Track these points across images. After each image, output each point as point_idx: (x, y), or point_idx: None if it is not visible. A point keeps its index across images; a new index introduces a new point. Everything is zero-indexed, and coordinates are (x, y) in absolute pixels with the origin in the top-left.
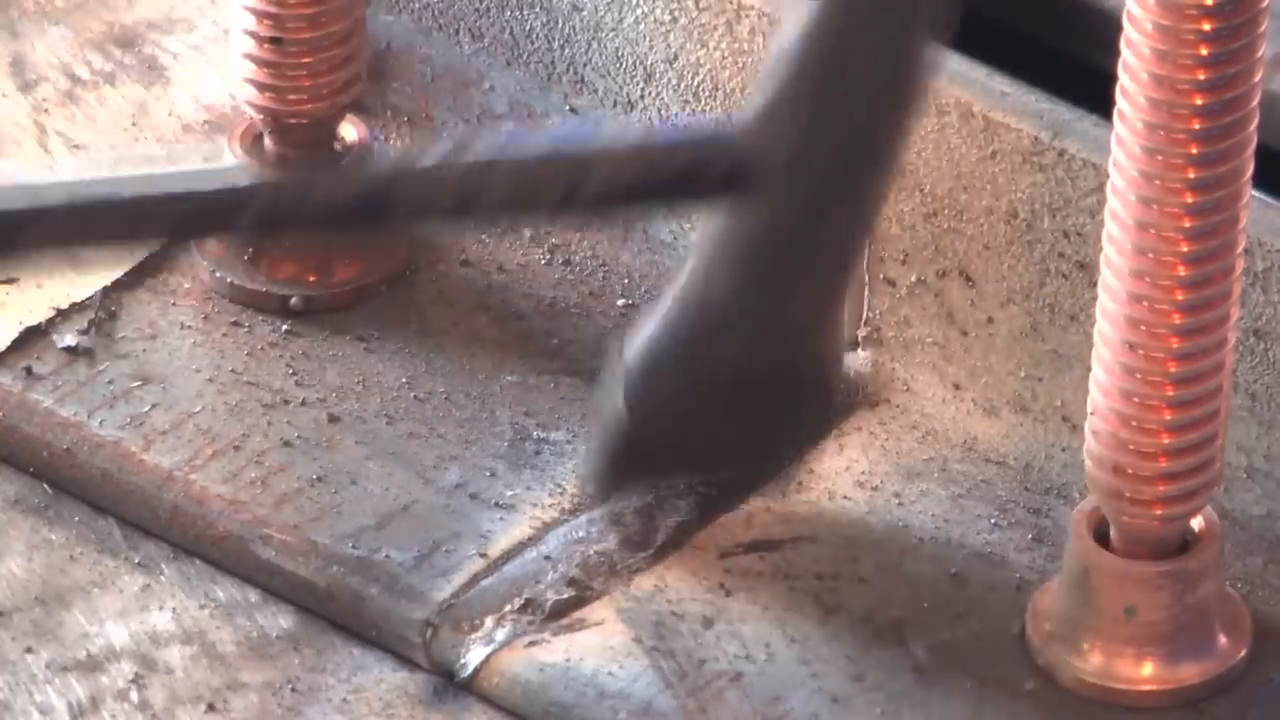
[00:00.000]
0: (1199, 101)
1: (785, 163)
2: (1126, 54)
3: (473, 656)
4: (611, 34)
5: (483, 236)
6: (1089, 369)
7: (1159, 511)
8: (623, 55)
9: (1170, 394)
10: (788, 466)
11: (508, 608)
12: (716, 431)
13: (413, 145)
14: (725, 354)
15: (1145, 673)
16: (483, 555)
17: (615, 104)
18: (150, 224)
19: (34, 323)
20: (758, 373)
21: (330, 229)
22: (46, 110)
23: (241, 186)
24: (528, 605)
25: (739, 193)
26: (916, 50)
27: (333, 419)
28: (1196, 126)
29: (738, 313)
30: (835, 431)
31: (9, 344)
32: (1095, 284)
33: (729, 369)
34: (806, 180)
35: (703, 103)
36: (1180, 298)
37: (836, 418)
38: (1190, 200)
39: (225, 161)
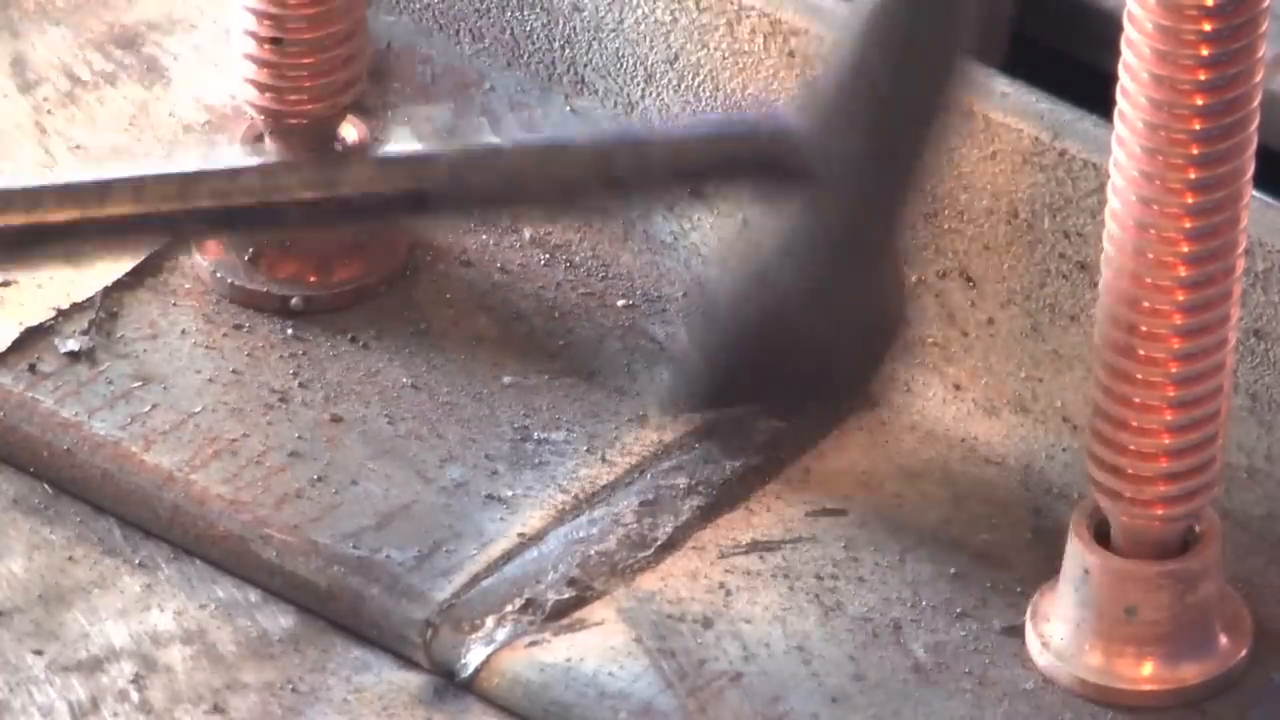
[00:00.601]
0: (1200, 102)
1: (841, 157)
2: (1127, 54)
3: (473, 656)
4: (612, 34)
5: (485, 236)
6: (1089, 369)
7: (1160, 512)
8: (623, 56)
9: (1171, 394)
10: (864, 384)
11: (508, 608)
12: (793, 358)
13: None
14: (792, 309)
15: (1145, 673)
16: (483, 555)
17: (616, 104)
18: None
19: (34, 323)
20: (826, 311)
21: (356, 223)
22: (47, 110)
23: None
24: (528, 605)
25: (785, 182)
26: (958, 60)
27: (333, 419)
28: (1197, 127)
29: (800, 291)
30: (835, 431)
31: (10, 344)
32: (1096, 284)
33: (797, 314)
34: (858, 173)
35: (703, 103)
36: (1181, 298)
37: (909, 336)
38: (1191, 200)
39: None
